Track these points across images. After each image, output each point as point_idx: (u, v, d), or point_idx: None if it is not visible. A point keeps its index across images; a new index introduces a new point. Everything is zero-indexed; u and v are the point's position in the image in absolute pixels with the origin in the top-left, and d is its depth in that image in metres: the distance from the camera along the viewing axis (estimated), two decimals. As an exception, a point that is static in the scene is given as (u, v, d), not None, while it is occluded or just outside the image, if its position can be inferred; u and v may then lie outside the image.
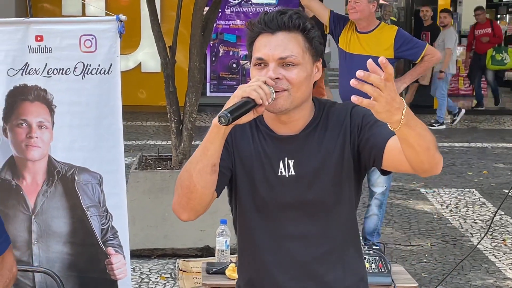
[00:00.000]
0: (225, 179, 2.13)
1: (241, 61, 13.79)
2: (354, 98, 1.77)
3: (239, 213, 2.20)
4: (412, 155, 1.92)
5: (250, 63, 2.12)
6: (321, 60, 2.16)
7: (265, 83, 1.99)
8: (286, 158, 2.13)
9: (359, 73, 1.74)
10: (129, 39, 12.23)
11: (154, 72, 12.69)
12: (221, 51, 13.84)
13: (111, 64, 3.71)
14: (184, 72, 6.00)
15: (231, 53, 13.84)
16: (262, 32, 2.09)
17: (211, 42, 13.67)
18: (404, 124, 1.83)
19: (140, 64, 13.12)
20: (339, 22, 5.44)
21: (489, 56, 13.37)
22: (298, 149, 2.13)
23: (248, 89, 1.96)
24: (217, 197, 2.12)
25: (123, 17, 3.72)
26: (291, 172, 2.13)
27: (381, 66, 1.76)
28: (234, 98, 1.97)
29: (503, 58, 13.45)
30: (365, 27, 5.32)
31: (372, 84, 1.76)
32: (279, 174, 2.13)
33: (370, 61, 1.77)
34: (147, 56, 12.84)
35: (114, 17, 3.71)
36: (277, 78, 2.04)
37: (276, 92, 2.02)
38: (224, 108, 1.96)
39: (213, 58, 13.81)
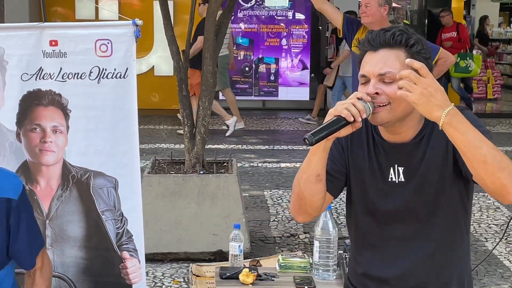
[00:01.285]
0: (340, 182, 2.29)
1: (253, 65, 13.80)
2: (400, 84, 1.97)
3: (353, 215, 2.35)
4: (469, 166, 2.00)
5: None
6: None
7: (360, 99, 2.08)
8: (396, 165, 2.25)
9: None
10: (142, 43, 12.20)
11: (167, 76, 12.73)
12: (234, 54, 13.86)
13: (127, 68, 3.72)
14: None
15: (243, 57, 13.84)
16: (367, 50, 2.19)
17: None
18: (447, 123, 1.94)
19: (153, 67, 13.15)
20: (352, 26, 5.44)
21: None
22: (407, 157, 2.23)
23: (340, 108, 2.06)
24: (335, 198, 2.30)
25: (139, 22, 3.73)
26: (400, 179, 2.24)
27: (410, 65, 1.97)
28: (329, 116, 2.08)
29: (468, 65, 12.25)
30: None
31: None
32: (389, 180, 2.25)
33: (408, 60, 2.00)
34: (160, 60, 12.87)
35: (130, 21, 3.72)
36: (376, 93, 2.12)
37: (378, 106, 2.12)
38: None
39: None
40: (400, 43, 2.14)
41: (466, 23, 16.27)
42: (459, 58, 12.14)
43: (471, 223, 6.59)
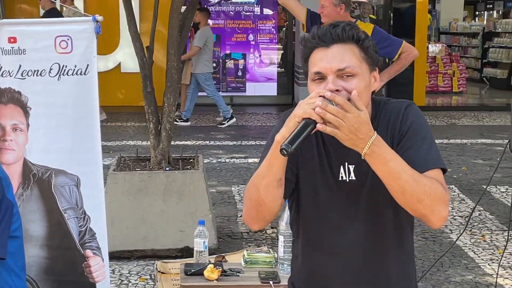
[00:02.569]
0: (292, 184, 2.18)
1: (220, 61, 13.78)
2: (319, 126, 1.93)
3: (300, 217, 2.25)
4: (391, 193, 2.03)
5: (307, 78, 2.14)
6: (377, 69, 2.16)
7: (324, 97, 1.98)
8: (346, 164, 2.16)
9: (318, 103, 1.92)
10: (108, 40, 12.18)
11: (133, 73, 12.64)
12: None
13: (88, 65, 3.69)
14: (163, 72, 5.98)
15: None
16: (316, 47, 2.10)
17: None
18: (368, 154, 1.97)
19: (119, 64, 13.07)
20: (316, 20, 5.44)
21: None
22: (358, 154, 2.11)
23: (309, 110, 1.95)
24: (285, 201, 2.18)
25: (99, 18, 3.70)
26: (351, 177, 2.16)
27: (332, 99, 1.94)
28: (294, 118, 1.97)
29: None
30: None
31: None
32: (340, 179, 2.17)
33: (329, 94, 1.95)
34: (127, 56, 12.79)
35: (90, 17, 3.68)
36: (337, 90, 2.04)
37: (337, 104, 2.01)
38: (284, 129, 1.97)
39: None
40: (352, 38, 2.09)
41: (432, 17, 16.40)
42: None
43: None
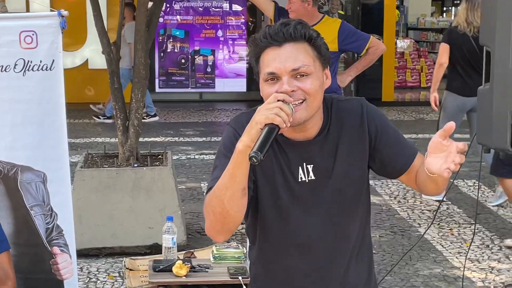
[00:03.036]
0: (250, 190, 2.12)
1: (189, 57, 13.74)
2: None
3: (260, 220, 2.20)
4: (433, 189, 2.11)
5: (258, 78, 2.10)
6: (328, 67, 2.15)
7: (282, 100, 1.96)
8: (304, 164, 2.14)
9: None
10: (75, 36, 12.06)
11: (101, 69, 12.52)
12: (170, 46, 13.76)
13: (53, 60, 3.65)
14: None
15: (179, 49, 13.76)
16: (268, 46, 2.06)
17: (160, 38, 13.58)
18: None
19: (87, 60, 12.96)
20: (284, 16, 5.44)
21: None
22: (315, 154, 2.13)
23: (271, 115, 1.92)
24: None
25: (64, 12, 3.66)
26: (310, 177, 2.14)
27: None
28: (256, 125, 1.93)
29: None
30: (307, 22, 5.33)
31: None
32: (299, 180, 2.14)
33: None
34: (94, 53, 12.66)
35: (56, 12, 3.64)
36: (293, 91, 2.02)
37: (295, 105, 2.00)
38: (246, 138, 1.94)
39: (162, 54, 13.72)
40: (304, 36, 2.05)
41: (400, 13, 16.52)
42: None
43: (405, 210, 6.72)
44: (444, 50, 6.67)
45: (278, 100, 1.95)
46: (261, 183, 2.14)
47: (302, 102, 2.03)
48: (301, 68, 2.03)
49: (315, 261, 2.19)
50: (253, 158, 1.89)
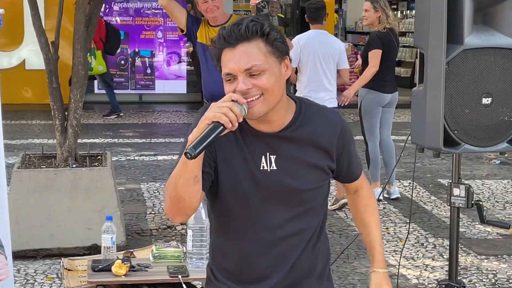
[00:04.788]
0: (210, 177, 2.22)
1: (129, 58, 13.64)
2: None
3: (220, 206, 2.28)
4: None
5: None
6: (288, 57, 2.21)
7: (236, 101, 2.05)
8: (268, 154, 2.23)
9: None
10: (12, 36, 11.86)
11: (39, 70, 12.34)
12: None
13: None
14: (70, 69, 5.88)
15: (119, 50, 13.64)
16: (224, 48, 2.15)
17: (98, 39, 13.43)
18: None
19: (24, 61, 12.74)
20: (197, 21, 5.60)
21: None
22: (280, 145, 2.23)
23: (219, 114, 2.01)
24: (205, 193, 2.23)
25: (0, 10, 3.61)
26: (272, 167, 2.23)
27: None
28: (205, 120, 2.03)
29: (90, 62, 11.08)
30: (218, 21, 5.52)
31: None
32: (261, 168, 2.22)
33: None
34: (32, 53, 12.48)
35: (-9, 10, 3.59)
36: (248, 89, 2.11)
37: (251, 100, 2.11)
38: (195, 130, 2.03)
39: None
40: (257, 33, 2.13)
41: (338, 16, 16.73)
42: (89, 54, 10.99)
43: (342, 210, 6.82)
44: (379, 55, 6.87)
45: (232, 100, 2.06)
46: (222, 168, 2.23)
47: (259, 96, 2.13)
48: (253, 67, 2.12)
49: (270, 247, 2.28)
50: (187, 154, 1.99)
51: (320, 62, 6.62)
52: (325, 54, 6.63)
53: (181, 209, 2.16)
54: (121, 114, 11.95)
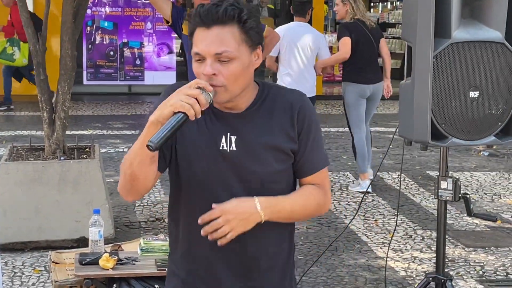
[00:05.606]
0: (167, 157, 2.20)
1: (118, 49, 13.59)
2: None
3: (177, 186, 2.25)
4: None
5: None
6: (260, 46, 2.18)
7: (202, 88, 2.03)
8: (229, 134, 2.19)
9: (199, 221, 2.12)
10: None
11: (27, 60, 12.30)
12: (98, 38, 13.59)
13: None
14: (57, 60, 5.85)
15: (108, 41, 13.60)
16: (199, 26, 2.11)
17: (87, 30, 13.39)
18: (266, 218, 2.16)
19: (12, 52, 12.66)
20: (182, 13, 5.53)
21: (1, 48, 11.02)
22: (241, 126, 2.19)
23: (187, 106, 1.99)
24: (161, 173, 2.20)
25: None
26: (232, 148, 2.19)
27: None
28: (171, 107, 1.99)
29: (13, 53, 10.99)
30: None
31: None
32: (221, 148, 2.19)
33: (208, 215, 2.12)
34: (20, 44, 12.40)
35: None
36: (214, 74, 2.09)
37: (213, 87, 2.08)
38: (158, 113, 2.01)
39: (90, 46, 13.54)
40: (233, 18, 2.10)
41: (328, 8, 16.69)
42: (8, 43, 11.06)
43: (331, 202, 6.84)
44: (347, 43, 7.05)
45: (199, 87, 2.03)
46: (180, 149, 2.20)
47: (221, 86, 2.11)
48: (223, 53, 2.09)
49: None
50: (149, 147, 1.98)
51: (299, 52, 6.93)
52: (304, 45, 6.94)
53: (135, 187, 2.15)
54: (12, 107, 11.55)
